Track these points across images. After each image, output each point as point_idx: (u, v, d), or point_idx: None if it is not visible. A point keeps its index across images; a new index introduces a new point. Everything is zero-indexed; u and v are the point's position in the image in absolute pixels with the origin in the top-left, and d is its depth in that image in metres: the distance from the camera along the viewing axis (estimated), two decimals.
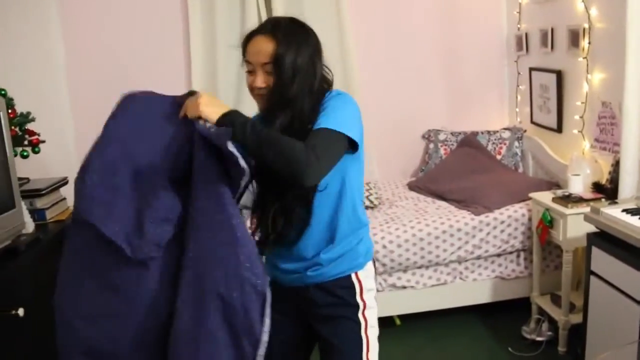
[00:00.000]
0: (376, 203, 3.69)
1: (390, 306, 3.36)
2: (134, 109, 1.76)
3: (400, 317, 3.48)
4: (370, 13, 4.17)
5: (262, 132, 1.54)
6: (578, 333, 2.68)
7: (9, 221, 2.13)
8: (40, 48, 3.66)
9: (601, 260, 2.39)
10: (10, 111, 2.48)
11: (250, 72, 1.70)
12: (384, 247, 3.19)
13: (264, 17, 3.91)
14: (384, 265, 3.21)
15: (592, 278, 2.46)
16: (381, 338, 3.34)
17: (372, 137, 4.23)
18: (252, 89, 1.71)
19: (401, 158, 4.40)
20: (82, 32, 3.91)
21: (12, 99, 2.57)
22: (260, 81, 1.67)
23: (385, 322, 3.41)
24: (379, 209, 3.64)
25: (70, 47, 3.91)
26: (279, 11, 3.89)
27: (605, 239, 2.36)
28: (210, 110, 1.57)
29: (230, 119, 1.55)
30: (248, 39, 1.71)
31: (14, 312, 1.89)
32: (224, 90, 3.97)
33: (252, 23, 3.84)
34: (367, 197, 3.70)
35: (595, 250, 2.42)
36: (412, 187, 4.00)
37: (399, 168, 4.42)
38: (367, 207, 3.66)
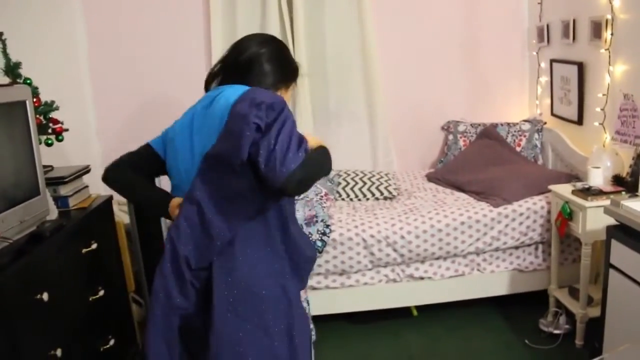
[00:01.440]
0: (395, 194, 3.69)
1: (407, 297, 3.37)
2: None
3: (418, 307, 3.49)
4: (391, 4, 4.16)
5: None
6: (596, 326, 2.67)
7: (34, 207, 2.18)
8: (64, 38, 3.71)
9: (621, 254, 2.37)
10: (35, 100, 2.52)
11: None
12: (402, 237, 3.20)
13: (286, 19, 3.94)
14: (402, 255, 3.22)
15: (611, 271, 2.44)
16: (398, 328, 3.38)
17: (392, 128, 4.24)
18: None
19: (420, 149, 4.40)
20: (105, 24, 3.95)
21: (37, 88, 2.61)
22: None
23: (402, 313, 3.45)
24: (397, 199, 3.65)
25: (93, 38, 3.96)
26: (300, 4, 3.90)
27: (626, 232, 2.35)
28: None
29: None
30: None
31: (38, 296, 1.93)
32: None
33: (274, 28, 3.86)
34: (385, 187, 3.71)
35: (614, 243, 2.41)
36: (430, 178, 4.00)
37: (418, 159, 4.42)
38: (385, 198, 3.67)
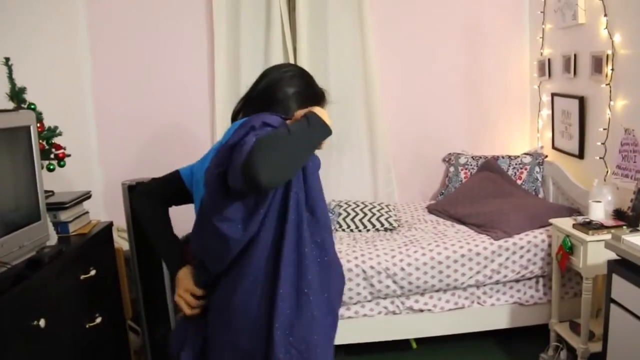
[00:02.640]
0: (395, 225, 3.69)
1: (406, 329, 3.34)
2: None
3: (417, 340, 3.46)
4: (393, 35, 4.21)
5: None
6: None
7: (34, 233, 2.18)
8: (69, 64, 3.75)
9: (622, 288, 2.36)
10: (39, 125, 2.53)
11: None
12: (402, 269, 3.18)
13: (290, 50, 3.99)
14: (401, 287, 3.20)
15: (613, 306, 2.42)
16: None
17: (393, 159, 4.25)
18: None
19: (421, 181, 4.41)
20: (109, 49, 4.00)
21: (41, 113, 2.63)
22: None
23: (401, 345, 3.41)
24: (397, 231, 3.64)
25: (97, 64, 4.00)
26: (303, 36, 3.96)
27: (627, 266, 2.34)
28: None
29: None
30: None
31: (35, 322, 1.91)
32: None
33: (277, 59, 3.91)
34: (386, 219, 3.70)
35: (615, 278, 2.39)
36: (431, 210, 4.00)
37: (419, 191, 4.42)
38: (386, 229, 3.66)
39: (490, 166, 4.06)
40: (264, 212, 1.59)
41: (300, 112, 1.63)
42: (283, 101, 1.79)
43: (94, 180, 3.97)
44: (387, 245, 3.33)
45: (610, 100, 3.20)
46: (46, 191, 2.49)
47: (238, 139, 1.58)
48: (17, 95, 2.54)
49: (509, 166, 4.04)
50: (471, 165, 4.16)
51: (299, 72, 1.87)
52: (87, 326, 2.42)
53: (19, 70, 2.60)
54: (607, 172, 3.26)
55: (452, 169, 4.23)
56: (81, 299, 2.43)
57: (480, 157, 4.17)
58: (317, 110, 1.61)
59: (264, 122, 1.62)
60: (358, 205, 3.85)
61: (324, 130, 1.59)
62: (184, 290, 1.78)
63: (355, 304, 3.23)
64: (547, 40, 4.01)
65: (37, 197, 2.23)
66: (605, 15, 3.18)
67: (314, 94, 1.87)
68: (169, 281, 3.11)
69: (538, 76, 4.14)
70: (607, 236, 2.59)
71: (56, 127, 2.72)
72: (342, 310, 3.20)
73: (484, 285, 3.32)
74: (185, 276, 1.81)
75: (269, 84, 1.81)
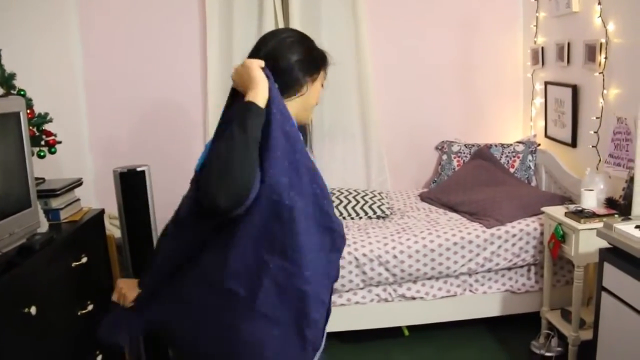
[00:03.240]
0: (388, 213, 3.69)
1: (399, 316, 3.35)
2: None
3: (409, 327, 3.47)
4: (386, 24, 4.19)
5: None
6: (588, 350, 2.65)
7: (24, 220, 2.16)
8: (59, 50, 3.71)
9: (613, 277, 2.37)
10: (29, 112, 2.50)
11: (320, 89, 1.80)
12: (395, 257, 3.18)
13: (281, 26, 3.95)
14: (394, 275, 3.21)
15: (604, 294, 2.43)
16: (389, 348, 3.35)
17: (386, 147, 4.25)
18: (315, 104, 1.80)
19: (414, 169, 4.41)
20: (100, 36, 3.97)
21: (31, 100, 2.60)
22: None
23: (393, 333, 3.42)
24: (390, 218, 3.64)
25: (88, 50, 3.97)
26: (296, 24, 3.93)
27: (618, 255, 2.34)
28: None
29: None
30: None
31: (26, 310, 1.90)
32: None
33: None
34: (378, 206, 3.70)
35: (607, 266, 2.40)
36: (424, 198, 4.00)
37: (412, 179, 4.42)
38: (378, 217, 3.67)
39: (483, 154, 4.07)
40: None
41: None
42: (287, 71, 1.66)
43: (85, 167, 3.95)
44: (379, 232, 3.33)
45: (604, 88, 3.20)
46: (37, 178, 2.47)
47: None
48: (6, 81, 2.50)
49: (502, 154, 4.04)
50: (464, 153, 4.16)
51: (298, 37, 1.74)
52: (78, 313, 2.41)
53: (9, 56, 2.56)
54: (600, 160, 3.27)
55: (444, 157, 4.23)
56: (72, 286, 2.42)
57: (473, 145, 4.17)
58: (240, 72, 1.57)
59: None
60: (350, 193, 3.84)
61: (257, 116, 1.48)
62: None
63: (347, 291, 3.23)
64: (541, 29, 4.00)
65: (28, 184, 2.21)
66: (599, 3, 3.18)
67: (316, 58, 1.75)
68: None
69: (531, 64, 4.14)
70: (599, 224, 2.60)
71: (47, 114, 2.69)
72: (334, 298, 3.21)
73: (476, 273, 3.33)
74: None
75: (268, 53, 1.66)
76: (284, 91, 1.63)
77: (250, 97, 1.50)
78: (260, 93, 1.51)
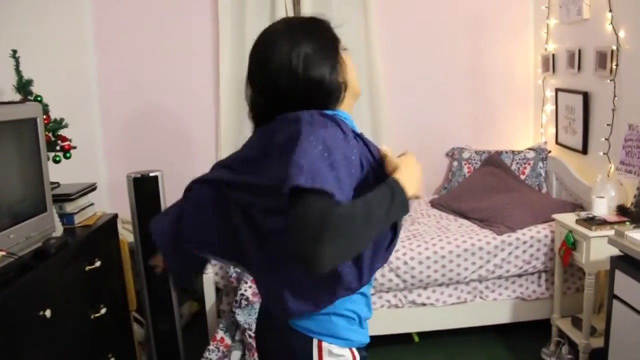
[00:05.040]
0: None
1: (409, 323, 3.36)
2: None
3: (419, 334, 3.47)
4: (397, 30, 4.21)
5: None
6: (599, 357, 2.65)
7: (40, 224, 2.19)
8: (74, 57, 3.76)
9: (624, 284, 2.37)
10: (45, 117, 2.54)
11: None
12: (405, 263, 3.19)
13: None
14: (404, 281, 3.22)
15: (615, 302, 2.44)
16: (399, 354, 3.35)
17: (396, 153, 4.25)
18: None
19: (424, 175, 4.30)
20: (114, 42, 4.01)
21: (47, 105, 2.64)
22: None
23: (403, 339, 3.43)
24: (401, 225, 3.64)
25: (103, 57, 4.02)
26: None
27: (629, 262, 2.35)
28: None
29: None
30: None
31: (41, 312, 1.93)
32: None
33: None
34: None
35: (618, 274, 2.40)
36: (434, 204, 4.00)
37: (422, 185, 4.41)
38: None
39: (493, 161, 4.07)
40: None
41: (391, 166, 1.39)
42: (322, 84, 1.43)
43: (100, 172, 3.99)
44: None
45: (615, 95, 3.20)
46: (52, 183, 2.50)
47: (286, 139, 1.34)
48: (23, 87, 2.54)
49: (513, 161, 4.04)
50: (474, 160, 4.17)
51: (304, 36, 1.45)
52: (92, 317, 2.44)
53: (26, 62, 2.61)
54: (611, 167, 3.26)
55: (455, 163, 4.23)
56: (86, 290, 2.45)
57: (484, 152, 4.17)
58: (405, 174, 1.38)
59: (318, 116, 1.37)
60: None
61: (404, 210, 1.33)
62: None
63: None
64: (552, 35, 4.00)
65: (43, 188, 2.24)
66: (610, 10, 3.18)
67: (330, 49, 1.48)
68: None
69: (542, 71, 4.14)
70: (610, 232, 2.60)
71: (62, 119, 2.73)
72: None
73: (487, 280, 3.33)
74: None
75: (280, 73, 1.42)
76: (331, 102, 1.47)
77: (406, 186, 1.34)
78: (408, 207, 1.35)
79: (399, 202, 1.30)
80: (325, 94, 1.44)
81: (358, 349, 1.54)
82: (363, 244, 1.27)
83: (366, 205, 1.23)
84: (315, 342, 1.46)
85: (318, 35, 1.47)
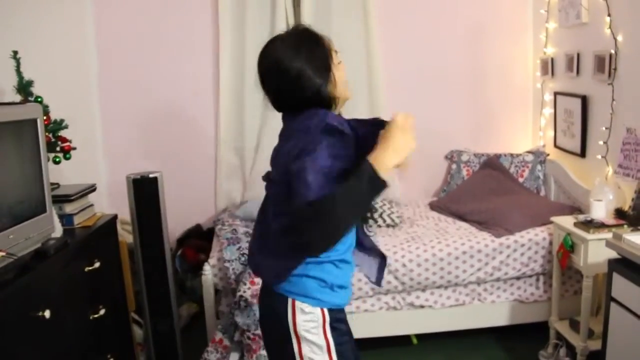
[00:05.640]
0: (397, 222, 3.70)
1: (407, 325, 3.36)
2: None
3: (417, 336, 3.48)
4: (397, 33, 4.22)
5: None
6: None
7: (40, 225, 2.20)
8: (74, 58, 3.77)
9: (622, 287, 2.37)
10: (45, 118, 2.55)
11: (338, 64, 1.76)
12: (404, 265, 3.20)
13: None
14: (403, 283, 3.22)
15: (613, 305, 2.44)
16: (397, 356, 3.36)
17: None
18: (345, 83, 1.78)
19: (423, 178, 4.42)
20: (115, 43, 4.02)
21: (47, 106, 2.65)
22: None
23: (402, 341, 3.43)
24: (399, 227, 3.66)
25: (103, 58, 4.02)
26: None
27: (627, 265, 2.35)
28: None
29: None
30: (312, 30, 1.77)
31: (40, 313, 1.93)
32: (251, 101, 4.05)
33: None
34: (388, 215, 3.72)
35: (616, 277, 2.41)
36: (433, 207, 4.01)
37: (421, 187, 4.43)
38: (388, 226, 3.68)
39: (492, 164, 4.08)
40: None
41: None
42: (312, 94, 1.68)
43: (99, 173, 3.99)
44: (389, 241, 3.34)
45: (613, 99, 3.21)
46: (52, 183, 2.51)
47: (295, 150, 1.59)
48: (24, 88, 2.56)
49: (511, 164, 4.05)
50: (473, 162, 4.18)
51: (298, 54, 1.68)
52: (91, 318, 2.45)
53: (26, 63, 2.62)
54: (609, 171, 3.27)
55: (454, 166, 4.24)
56: (85, 290, 2.45)
57: (483, 155, 4.18)
58: (384, 148, 1.59)
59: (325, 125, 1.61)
60: None
61: (379, 188, 1.55)
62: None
63: (356, 299, 3.25)
64: (551, 39, 4.01)
65: (43, 189, 2.25)
66: (609, 14, 3.19)
67: (321, 57, 1.71)
68: (172, 274, 3.14)
69: (541, 75, 4.15)
70: (608, 235, 2.61)
71: (62, 120, 2.74)
72: None
73: (485, 282, 3.34)
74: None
75: (278, 86, 1.70)
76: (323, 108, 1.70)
77: (383, 163, 1.56)
78: (389, 164, 1.58)
79: (372, 184, 1.53)
80: (317, 104, 1.68)
81: (331, 310, 1.76)
82: (346, 228, 1.53)
83: (344, 195, 1.48)
84: (290, 301, 1.71)
85: (312, 55, 1.69)
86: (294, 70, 1.65)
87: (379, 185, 1.53)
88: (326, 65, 1.70)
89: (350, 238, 1.81)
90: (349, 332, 1.87)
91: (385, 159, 1.57)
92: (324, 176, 1.52)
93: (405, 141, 1.64)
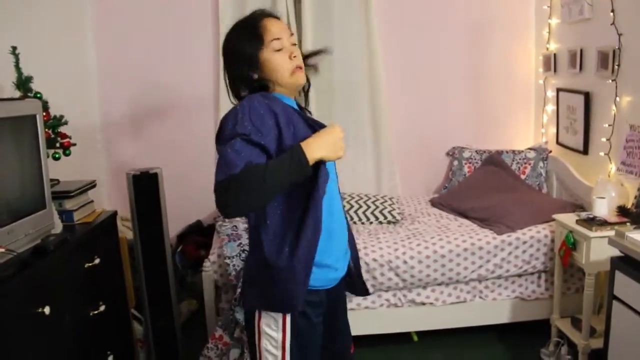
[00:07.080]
0: (398, 218, 3.69)
1: (408, 322, 3.36)
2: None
3: (418, 333, 3.47)
4: (398, 29, 4.20)
5: None
6: (598, 358, 2.65)
7: (39, 221, 2.19)
8: (74, 54, 3.75)
9: (624, 285, 2.36)
10: (44, 114, 2.53)
11: (280, 50, 1.77)
12: (405, 262, 3.19)
13: (294, 31, 3.97)
14: (404, 280, 3.22)
15: (615, 303, 2.43)
16: (398, 353, 3.35)
17: (396, 153, 4.26)
18: (297, 67, 1.79)
19: (425, 174, 4.41)
20: (114, 38, 4.01)
21: (46, 102, 2.64)
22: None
23: (402, 338, 3.43)
24: (400, 224, 3.65)
25: (102, 53, 4.01)
26: (308, 29, 3.96)
27: (630, 263, 2.34)
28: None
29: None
30: (262, 17, 1.80)
31: (40, 309, 1.93)
32: None
33: None
34: (389, 212, 3.71)
35: (618, 275, 2.39)
36: (434, 203, 4.00)
37: (422, 184, 4.43)
38: (389, 222, 3.67)
39: (494, 161, 4.06)
40: None
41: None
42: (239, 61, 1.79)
43: (99, 169, 3.98)
44: (390, 238, 3.33)
45: (616, 96, 3.19)
46: (52, 180, 2.50)
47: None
48: (23, 84, 2.54)
49: (513, 161, 4.03)
50: (475, 159, 4.16)
51: (233, 36, 1.81)
52: (90, 314, 2.44)
53: (26, 59, 2.60)
54: (612, 168, 3.26)
55: (455, 162, 4.23)
56: (85, 287, 2.44)
57: (484, 152, 4.17)
58: (316, 140, 1.66)
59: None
60: (361, 198, 3.85)
61: (303, 170, 1.61)
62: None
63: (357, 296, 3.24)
64: (553, 35, 4.00)
65: (43, 185, 2.24)
66: (612, 10, 3.17)
67: (251, 25, 1.79)
68: (172, 271, 3.13)
69: (543, 71, 4.13)
70: (611, 232, 2.59)
71: (62, 116, 2.72)
72: None
73: (486, 280, 3.33)
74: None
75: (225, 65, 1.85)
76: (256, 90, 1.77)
77: (312, 150, 1.63)
78: (316, 152, 1.64)
79: (297, 164, 1.59)
80: (246, 87, 1.80)
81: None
82: (264, 198, 1.60)
83: (266, 167, 1.56)
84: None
85: (244, 37, 1.76)
86: (228, 53, 1.80)
87: (304, 166, 1.60)
88: (254, 51, 1.74)
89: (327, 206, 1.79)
90: (324, 320, 1.91)
91: (314, 147, 1.63)
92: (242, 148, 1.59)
93: (335, 139, 1.68)
